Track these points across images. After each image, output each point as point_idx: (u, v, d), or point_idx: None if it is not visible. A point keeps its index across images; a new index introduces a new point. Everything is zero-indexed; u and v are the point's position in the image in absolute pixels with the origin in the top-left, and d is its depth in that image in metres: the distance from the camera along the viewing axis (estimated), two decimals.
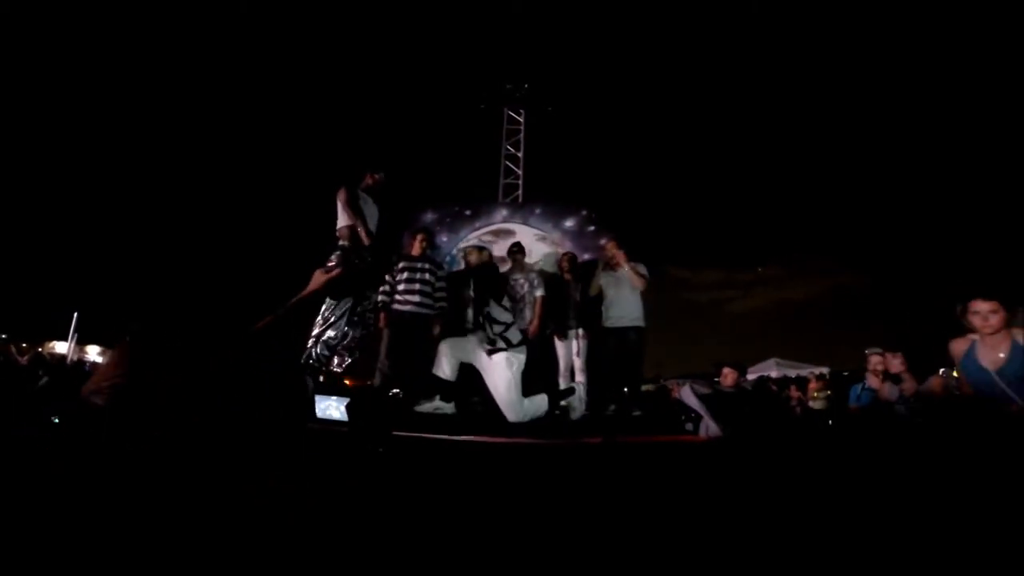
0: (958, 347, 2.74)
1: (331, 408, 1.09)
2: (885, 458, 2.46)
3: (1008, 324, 2.58)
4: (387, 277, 4.24)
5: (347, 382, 4.56)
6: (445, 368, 3.85)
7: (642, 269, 4.69)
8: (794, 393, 8.47)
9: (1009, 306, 2.58)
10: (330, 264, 3.32)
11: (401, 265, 4.29)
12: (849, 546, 1.06)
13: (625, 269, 4.59)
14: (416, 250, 4.45)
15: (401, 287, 4.22)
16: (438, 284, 4.36)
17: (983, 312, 2.60)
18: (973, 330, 2.67)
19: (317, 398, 1.07)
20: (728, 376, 4.60)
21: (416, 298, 4.21)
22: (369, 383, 4.17)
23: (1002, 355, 2.54)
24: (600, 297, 4.72)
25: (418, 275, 4.28)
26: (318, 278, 1.12)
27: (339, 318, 3.50)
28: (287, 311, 1.00)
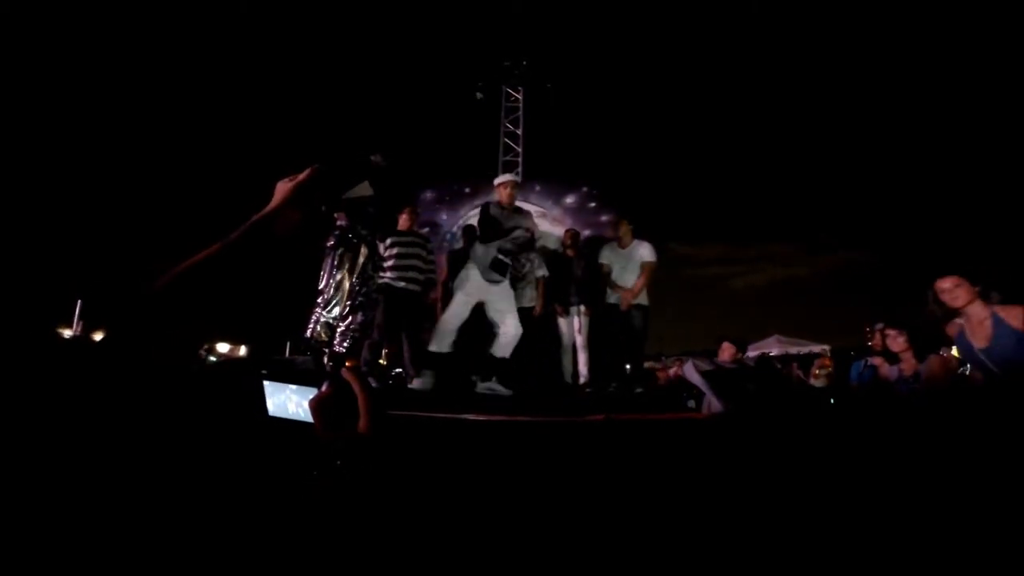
0: (951, 331, 2.77)
1: (289, 402, 0.75)
2: (886, 439, 2.44)
3: (983, 298, 2.61)
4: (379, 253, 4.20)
5: (347, 363, 4.58)
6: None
7: (647, 254, 4.61)
8: (796, 371, 8.45)
9: (973, 279, 2.61)
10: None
11: (390, 241, 4.24)
12: (849, 531, 1.03)
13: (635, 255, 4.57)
14: (404, 224, 4.37)
15: (391, 263, 4.18)
16: (429, 258, 4.35)
17: (946, 288, 2.63)
18: (953, 313, 2.69)
19: (270, 387, 0.77)
20: (726, 351, 4.56)
21: (409, 274, 4.19)
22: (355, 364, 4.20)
23: (988, 334, 2.55)
24: (604, 273, 4.68)
25: (409, 250, 4.24)
26: (282, 188, 0.85)
27: (342, 298, 3.47)
28: (245, 235, 0.76)
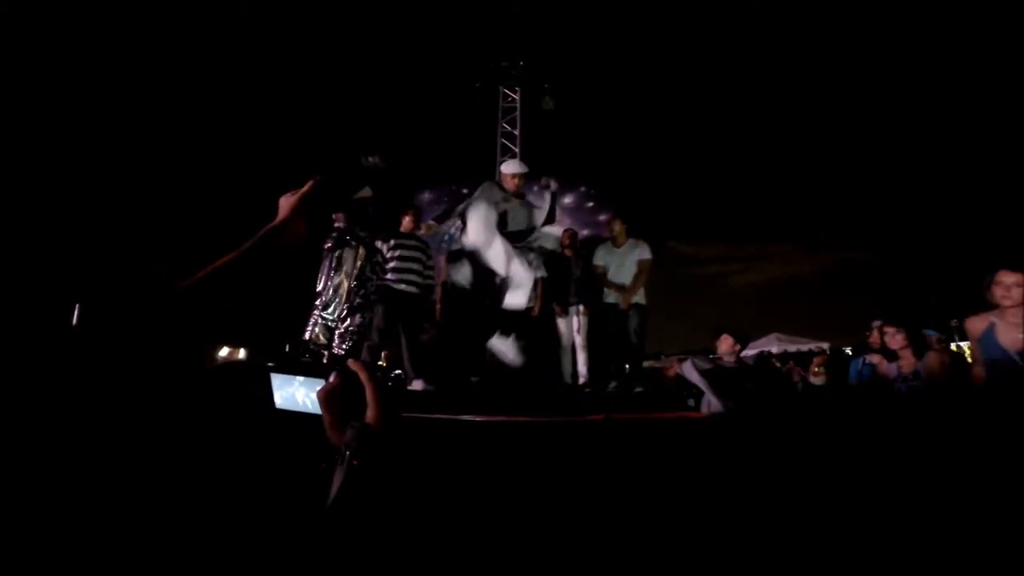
0: (976, 325, 2.63)
1: (298, 394, 0.73)
2: (884, 437, 2.44)
3: None
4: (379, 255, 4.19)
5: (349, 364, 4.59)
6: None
7: (644, 252, 4.62)
8: (795, 370, 8.44)
9: None
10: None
11: (393, 243, 4.24)
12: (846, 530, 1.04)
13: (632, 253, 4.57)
14: (407, 227, 4.37)
15: (392, 264, 4.17)
16: (428, 263, 4.35)
17: (1007, 283, 2.50)
18: (994, 305, 2.57)
19: (277, 380, 0.75)
20: (724, 342, 4.52)
21: (409, 276, 4.19)
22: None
23: (1023, 335, 2.44)
24: (602, 273, 4.69)
25: (410, 253, 4.24)
26: (286, 203, 0.86)
27: (340, 300, 3.47)
28: (257, 245, 0.78)
